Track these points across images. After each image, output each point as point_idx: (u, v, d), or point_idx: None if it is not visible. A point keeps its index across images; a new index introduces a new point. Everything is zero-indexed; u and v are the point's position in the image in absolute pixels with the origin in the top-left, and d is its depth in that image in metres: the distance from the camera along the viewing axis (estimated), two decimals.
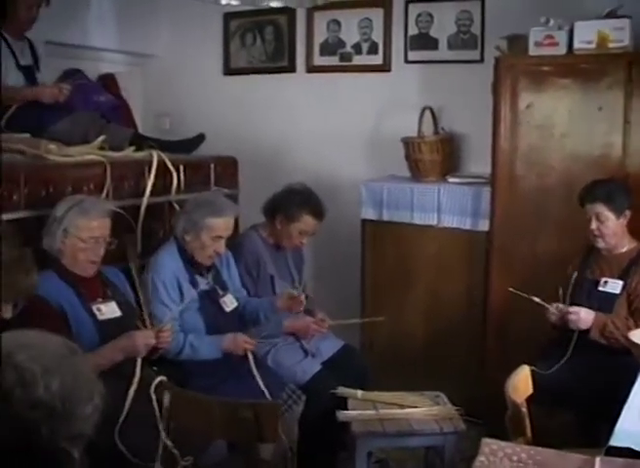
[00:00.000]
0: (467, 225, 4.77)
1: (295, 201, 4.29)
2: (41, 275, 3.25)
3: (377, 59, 5.58)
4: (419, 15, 5.40)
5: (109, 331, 3.29)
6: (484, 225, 4.68)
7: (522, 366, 3.27)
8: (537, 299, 3.79)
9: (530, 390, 3.25)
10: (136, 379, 3.18)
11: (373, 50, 5.60)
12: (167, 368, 3.49)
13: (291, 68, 5.89)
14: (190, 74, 6.17)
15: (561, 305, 3.79)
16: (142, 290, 3.65)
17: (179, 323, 3.73)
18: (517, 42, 4.49)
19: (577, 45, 4.26)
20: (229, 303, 3.97)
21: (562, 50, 4.30)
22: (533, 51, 4.35)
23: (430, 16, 5.37)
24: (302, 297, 4.07)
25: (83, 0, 5.56)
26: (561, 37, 4.29)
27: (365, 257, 5.08)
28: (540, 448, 2.57)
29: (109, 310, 3.40)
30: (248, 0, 3.66)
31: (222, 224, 3.82)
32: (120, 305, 3.45)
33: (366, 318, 4.73)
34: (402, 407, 3.79)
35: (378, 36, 5.58)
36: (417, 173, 5.04)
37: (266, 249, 4.37)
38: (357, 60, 5.66)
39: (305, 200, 4.31)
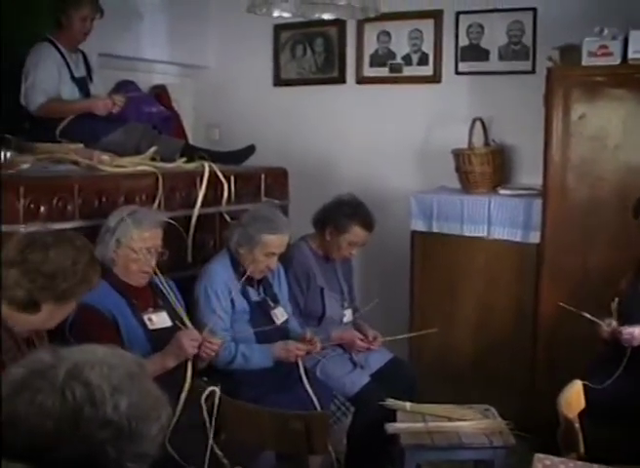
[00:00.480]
0: (518, 237, 4.73)
1: (344, 212, 4.28)
2: None
3: (427, 71, 5.58)
4: (469, 26, 5.39)
5: (160, 340, 3.30)
6: (535, 237, 4.63)
7: (574, 380, 3.23)
8: (588, 315, 3.73)
9: (582, 405, 3.21)
10: (186, 385, 3.20)
11: (423, 61, 5.59)
12: (217, 378, 3.49)
13: (341, 80, 5.90)
14: (241, 85, 6.20)
15: (614, 323, 3.72)
16: (193, 298, 3.68)
17: (230, 333, 3.75)
18: (570, 52, 4.44)
19: (631, 55, 4.20)
20: (280, 316, 3.97)
21: (616, 60, 4.24)
22: (586, 61, 4.30)
23: (481, 27, 5.35)
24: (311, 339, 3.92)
25: (135, 12, 5.63)
26: (615, 47, 4.24)
27: (414, 269, 5.06)
28: (594, 465, 2.54)
29: (160, 320, 3.43)
30: (300, 12, 3.66)
31: (277, 241, 3.82)
32: (171, 315, 3.47)
33: (415, 330, 4.69)
34: (451, 419, 3.76)
35: (428, 47, 5.57)
36: (467, 184, 5.01)
37: (316, 260, 4.37)
38: (407, 72, 5.66)
39: (355, 211, 4.30)
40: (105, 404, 1.29)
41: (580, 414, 3.15)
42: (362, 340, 4.24)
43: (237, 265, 3.85)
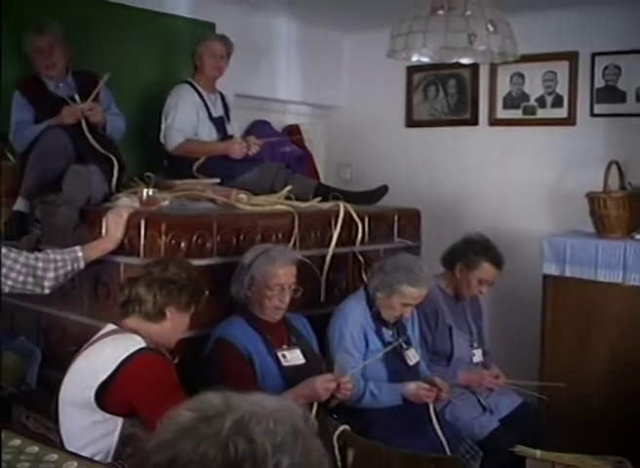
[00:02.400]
0: None
1: (474, 249, 4.30)
2: (230, 320, 3.42)
3: (561, 113, 5.52)
4: (605, 67, 5.31)
5: (293, 377, 3.35)
6: None
7: None
8: None
9: None
10: None
11: (557, 103, 5.53)
12: (347, 416, 3.51)
13: (473, 121, 5.90)
14: (373, 125, 6.27)
15: None
16: (327, 336, 3.72)
17: (361, 372, 3.74)
18: None
19: None
20: (412, 357, 3.95)
21: None
22: None
23: (618, 68, 5.27)
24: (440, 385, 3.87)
25: (270, 55, 5.79)
26: None
27: (546, 313, 4.96)
28: None
29: (294, 357, 3.48)
30: (438, 57, 3.69)
31: (415, 294, 3.81)
32: (304, 352, 3.53)
33: (545, 375, 4.62)
34: None
35: (562, 89, 5.52)
36: (601, 229, 4.90)
37: (445, 299, 4.37)
38: (541, 114, 5.61)
39: (484, 248, 4.31)
40: (267, 462, 1.27)
41: None
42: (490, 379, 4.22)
43: (373, 306, 3.86)
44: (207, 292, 3.10)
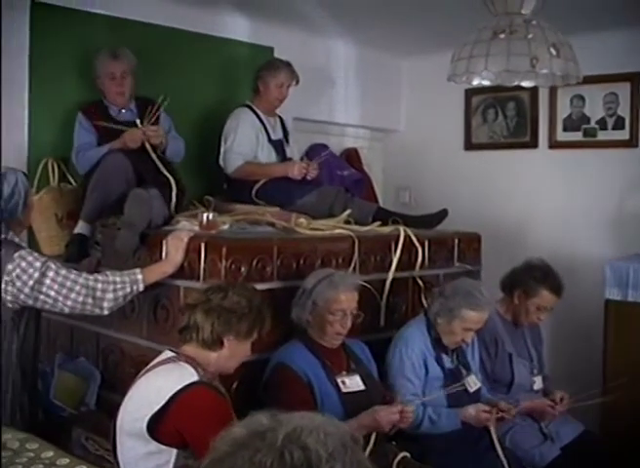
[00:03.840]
0: None
1: (534, 276, 4.24)
2: (290, 345, 3.41)
3: (623, 135, 5.44)
4: None
5: (353, 404, 3.33)
6: None
7: None
8: None
9: None
10: (368, 449, 3.19)
11: (619, 125, 5.46)
12: (405, 442, 3.48)
13: (533, 144, 5.85)
14: (431, 148, 6.26)
15: None
16: (386, 361, 3.69)
17: (419, 398, 3.70)
18: None
19: None
20: (472, 384, 3.90)
21: None
22: None
23: None
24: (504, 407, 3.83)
25: (329, 79, 5.82)
26: None
27: (608, 339, 4.86)
28: None
29: (354, 383, 3.46)
30: (499, 80, 3.67)
31: (476, 318, 3.77)
32: (364, 379, 3.50)
33: (608, 402, 4.52)
34: None
35: (624, 111, 5.44)
36: None
37: (504, 326, 4.31)
38: (602, 136, 5.55)
39: (545, 275, 4.24)
40: None
41: None
42: (552, 407, 4.13)
43: (433, 331, 3.84)
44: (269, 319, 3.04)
